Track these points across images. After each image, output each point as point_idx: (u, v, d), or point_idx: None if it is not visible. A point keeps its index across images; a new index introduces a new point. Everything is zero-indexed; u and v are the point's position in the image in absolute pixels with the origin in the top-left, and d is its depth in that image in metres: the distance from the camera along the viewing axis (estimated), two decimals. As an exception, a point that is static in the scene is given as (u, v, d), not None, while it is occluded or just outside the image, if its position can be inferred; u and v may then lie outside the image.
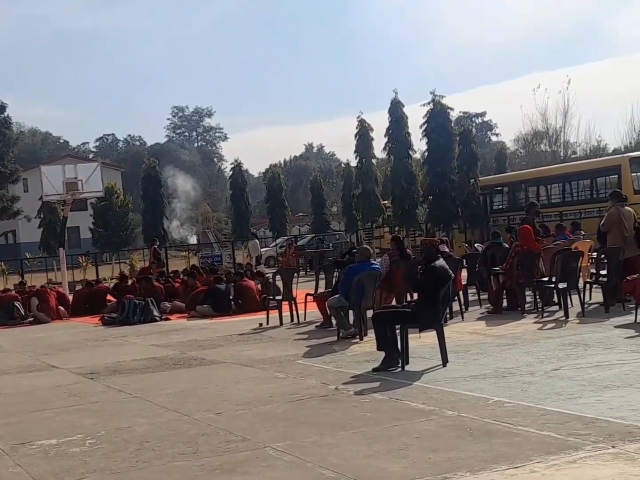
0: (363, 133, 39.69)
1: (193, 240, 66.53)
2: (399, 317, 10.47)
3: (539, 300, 14.88)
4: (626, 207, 15.63)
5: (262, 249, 49.11)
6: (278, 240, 48.09)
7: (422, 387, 9.02)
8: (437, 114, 36.73)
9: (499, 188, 37.31)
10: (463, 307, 15.68)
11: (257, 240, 35.35)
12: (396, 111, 37.75)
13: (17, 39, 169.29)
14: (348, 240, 45.87)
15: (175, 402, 9.27)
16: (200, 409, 8.77)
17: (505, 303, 15.59)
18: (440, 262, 10.32)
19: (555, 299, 15.11)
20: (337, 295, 13.57)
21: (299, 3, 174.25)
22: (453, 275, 10.76)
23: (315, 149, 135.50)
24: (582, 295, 14.61)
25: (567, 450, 6.21)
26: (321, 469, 6.24)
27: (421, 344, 11.25)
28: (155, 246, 31.67)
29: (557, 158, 62.02)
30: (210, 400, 9.19)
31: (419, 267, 10.62)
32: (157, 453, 7.06)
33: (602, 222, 15.62)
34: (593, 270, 16.45)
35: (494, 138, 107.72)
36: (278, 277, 17.66)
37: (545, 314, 14.35)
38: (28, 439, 7.90)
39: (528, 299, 15.72)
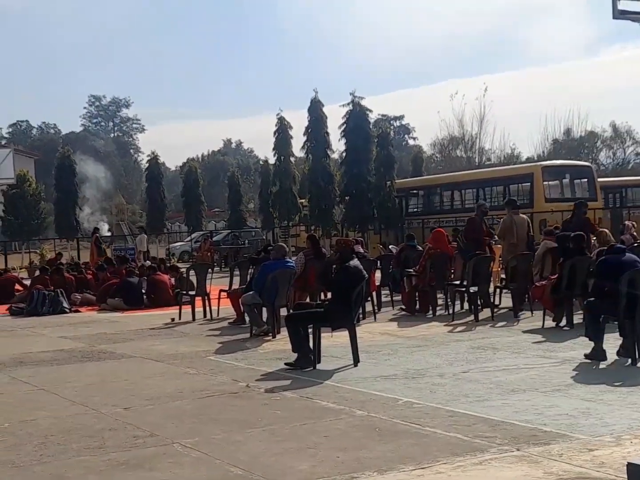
0: (282, 130, 39.64)
1: (105, 231, 65.61)
2: (311, 317, 10.47)
3: (449, 303, 15.12)
4: (520, 215, 16.11)
5: (177, 244, 48.91)
6: (193, 235, 47.76)
7: (333, 386, 9.05)
8: (356, 115, 36.89)
9: (415, 191, 37.77)
10: (376, 307, 15.78)
11: (144, 235, 34.86)
12: (316, 110, 37.80)
13: None
14: (264, 237, 45.84)
15: (83, 395, 9.13)
16: (107, 403, 8.64)
17: (417, 305, 15.75)
18: (355, 262, 10.38)
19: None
20: (251, 292, 13.51)
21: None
22: (367, 275, 10.81)
23: (234, 145, 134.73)
24: (492, 299, 14.89)
25: (473, 452, 6.30)
26: (229, 466, 6.21)
27: (333, 343, 11.27)
28: (97, 235, 31.38)
29: (472, 164, 63.09)
30: (119, 395, 9.07)
31: (334, 266, 10.63)
32: (62, 447, 6.93)
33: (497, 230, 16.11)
34: (503, 275, 16.76)
35: (411, 142, 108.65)
36: (192, 272, 17.53)
37: (455, 317, 14.54)
38: None
39: (440, 301, 15.93)
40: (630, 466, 4.89)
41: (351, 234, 35.18)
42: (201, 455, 6.53)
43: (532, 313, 14.31)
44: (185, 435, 7.13)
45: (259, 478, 5.92)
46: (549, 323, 13.03)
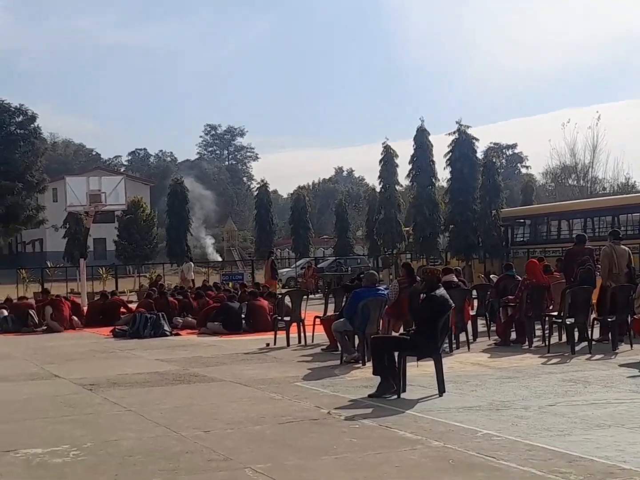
0: (387, 159, 39.72)
1: (214, 256, 66.83)
2: (397, 344, 10.40)
3: (546, 334, 14.79)
4: (621, 246, 15.67)
5: (284, 270, 49.29)
6: (299, 262, 48.07)
7: (414, 416, 8.94)
8: (462, 144, 36.67)
9: (521, 220, 37.16)
10: (471, 337, 15.55)
11: (192, 263, 35.19)
12: (421, 139, 37.75)
13: (55, 52, 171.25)
14: (370, 264, 45.80)
15: (168, 417, 9.25)
16: (190, 425, 8.73)
17: (513, 335, 15.46)
18: (441, 291, 10.26)
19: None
20: (342, 319, 13.53)
21: (333, 29, 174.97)
22: (453, 305, 10.67)
23: (345, 173, 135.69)
24: (590, 331, 14.49)
25: (544, 488, 6.12)
26: (296, 493, 6.20)
27: (422, 372, 11.16)
28: (272, 258, 32.19)
29: (584, 193, 61.73)
30: (202, 418, 9.16)
31: (420, 295, 10.53)
32: (137, 468, 7.03)
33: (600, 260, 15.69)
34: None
35: (523, 170, 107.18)
36: (288, 297, 17.64)
37: (552, 349, 14.18)
38: (14, 447, 7.91)
39: (538, 332, 15.61)
40: None
41: (455, 263, 34.82)
42: (270, 481, 6.54)
43: (631, 346, 13.88)
44: (259, 461, 7.14)
45: (323, 506, 5.89)
46: (648, 357, 12.61)
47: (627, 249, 15.80)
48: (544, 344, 14.68)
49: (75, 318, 21.83)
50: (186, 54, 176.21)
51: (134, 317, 19.51)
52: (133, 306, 22.81)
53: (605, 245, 15.64)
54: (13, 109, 45.14)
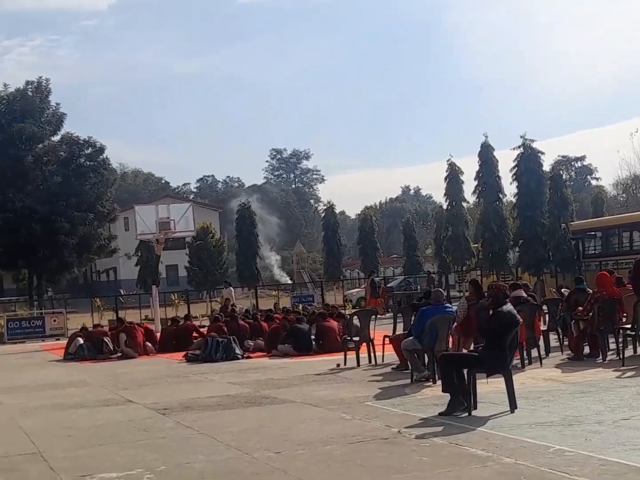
0: (453, 176, 39.65)
1: (284, 279, 67.22)
2: (466, 361, 10.34)
3: (620, 347, 14.52)
4: None
5: (354, 290, 49.29)
6: (369, 281, 48.00)
7: (485, 433, 8.86)
8: (528, 158, 36.39)
9: (592, 233, 36.64)
10: (543, 352, 15.35)
11: (231, 288, 35.31)
12: (486, 154, 37.60)
13: (119, 84, 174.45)
14: (439, 282, 45.58)
15: (239, 439, 9.31)
16: (261, 447, 8.79)
17: (586, 350, 15.22)
18: (508, 307, 10.18)
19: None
20: (411, 338, 13.49)
21: (395, 47, 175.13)
22: (521, 320, 10.56)
23: (412, 192, 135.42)
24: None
25: (619, 503, 6.02)
26: (366, 512, 6.19)
27: (493, 389, 11.07)
28: (373, 277, 32.44)
29: (657, 203, 60.61)
30: (273, 439, 9.21)
31: (487, 311, 10.47)
32: (210, 490, 7.11)
33: None
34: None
35: (593, 182, 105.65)
36: (357, 317, 17.63)
37: (627, 362, 13.91)
38: (90, 472, 8.06)
39: (612, 346, 15.34)
40: None
41: (526, 278, 34.44)
42: (341, 501, 6.54)
43: None
44: (329, 480, 7.16)
45: (393, 525, 5.87)
46: None
47: None
48: (618, 357, 14.40)
49: (148, 344, 22.13)
50: (249, 79, 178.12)
51: (206, 341, 19.68)
52: (205, 331, 23.04)
53: None
54: (82, 142, 46.08)
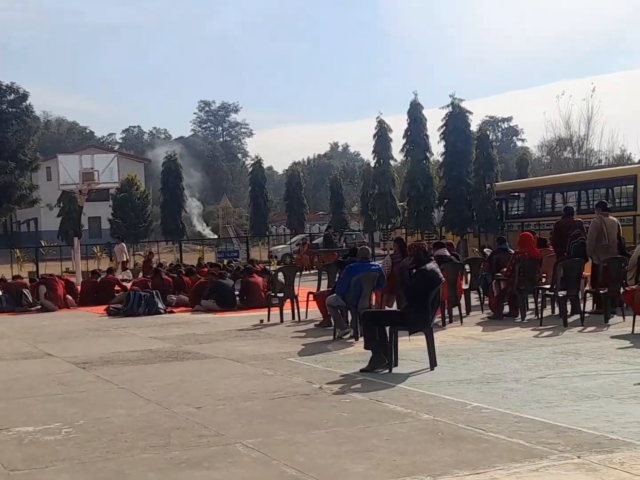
0: (382, 134, 39.77)
1: (206, 231, 66.99)
2: (388, 318, 10.46)
3: (539, 307, 14.84)
4: (610, 217, 15.67)
5: (279, 246, 49.30)
6: (294, 238, 48.11)
7: (405, 390, 9.00)
8: (456, 117, 36.69)
9: (516, 194, 37.24)
10: (464, 311, 15.61)
11: (123, 244, 34.64)
12: (415, 113, 37.77)
13: (46, 31, 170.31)
14: (365, 240, 45.88)
15: (159, 394, 9.30)
16: (181, 402, 8.79)
17: (506, 309, 15.52)
18: (431, 265, 10.29)
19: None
20: (334, 295, 13.57)
21: (327, 4, 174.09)
22: (443, 279, 10.71)
23: (340, 148, 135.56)
24: (582, 304, 14.55)
25: (532, 459, 6.18)
26: (285, 467, 6.25)
27: (414, 346, 11.19)
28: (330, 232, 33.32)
29: (580, 166, 61.69)
30: (194, 394, 9.21)
31: (410, 270, 10.57)
32: (128, 444, 7.08)
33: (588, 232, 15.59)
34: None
35: (519, 143, 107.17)
36: (281, 274, 17.67)
37: (545, 322, 14.22)
38: (6, 425, 7.96)
39: (531, 306, 15.66)
40: None
41: (450, 237, 34.87)
42: (260, 456, 6.58)
43: (623, 318, 13.94)
44: (249, 436, 7.19)
45: (312, 479, 5.94)
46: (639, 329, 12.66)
47: (616, 220, 15.81)
48: (536, 317, 14.74)
49: (69, 297, 21.83)
50: (178, 30, 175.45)
51: (128, 295, 19.53)
52: (128, 285, 22.84)
53: (595, 217, 15.62)
54: (4, 87, 44.94)
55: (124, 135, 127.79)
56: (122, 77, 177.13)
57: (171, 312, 19.31)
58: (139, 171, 65.80)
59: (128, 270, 29.94)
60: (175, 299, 20.53)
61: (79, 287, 23.47)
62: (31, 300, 21.38)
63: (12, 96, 45.08)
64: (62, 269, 34.41)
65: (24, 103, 45.10)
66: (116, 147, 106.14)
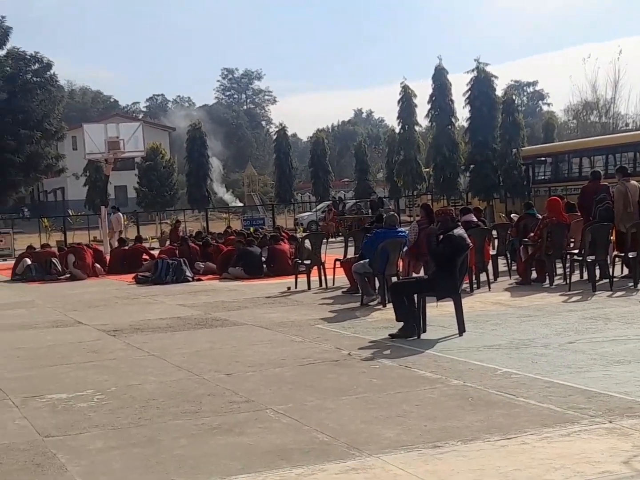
0: (406, 99, 39.51)
1: (235, 202, 67.01)
2: (415, 286, 10.43)
3: (567, 272, 14.75)
4: (632, 182, 15.49)
5: (304, 214, 49.28)
6: (320, 205, 48.03)
7: (434, 355, 9.00)
8: (481, 82, 36.32)
9: (542, 158, 36.91)
10: (492, 277, 15.55)
11: (120, 214, 33.70)
12: (440, 78, 37.44)
13: (70, 2, 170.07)
14: (391, 206, 45.76)
15: (189, 361, 9.36)
16: (211, 369, 8.85)
17: (534, 274, 15.44)
18: (459, 230, 10.25)
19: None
20: (361, 262, 13.56)
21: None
22: (471, 244, 10.66)
23: (364, 115, 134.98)
24: (611, 269, 14.44)
25: (563, 424, 6.17)
26: (316, 433, 6.28)
27: (442, 312, 11.17)
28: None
29: (607, 130, 61.05)
30: (223, 361, 9.27)
31: (436, 236, 10.52)
32: (160, 411, 7.14)
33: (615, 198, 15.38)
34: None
35: (545, 107, 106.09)
36: (308, 241, 17.67)
37: (573, 287, 14.14)
38: (40, 393, 8.05)
39: (559, 271, 15.57)
40: None
41: (476, 203, 34.69)
42: (291, 421, 6.62)
43: (656, 283, 13.85)
44: (280, 402, 7.23)
45: (343, 445, 5.95)
46: (670, 293, 12.59)
47: (637, 184, 15.61)
48: (564, 282, 14.65)
49: (98, 265, 21.98)
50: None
51: (156, 263, 19.63)
52: (155, 253, 22.94)
53: (618, 184, 15.43)
54: (28, 57, 44.75)
55: (147, 103, 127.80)
56: (144, 45, 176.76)
57: (199, 279, 19.39)
58: (163, 140, 65.87)
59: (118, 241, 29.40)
60: (202, 266, 20.61)
61: (107, 256, 23.63)
62: (60, 269, 21.56)
63: (36, 65, 44.91)
64: (89, 237, 34.66)
65: (48, 72, 44.94)
66: (140, 116, 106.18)
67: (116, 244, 25.80)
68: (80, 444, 6.31)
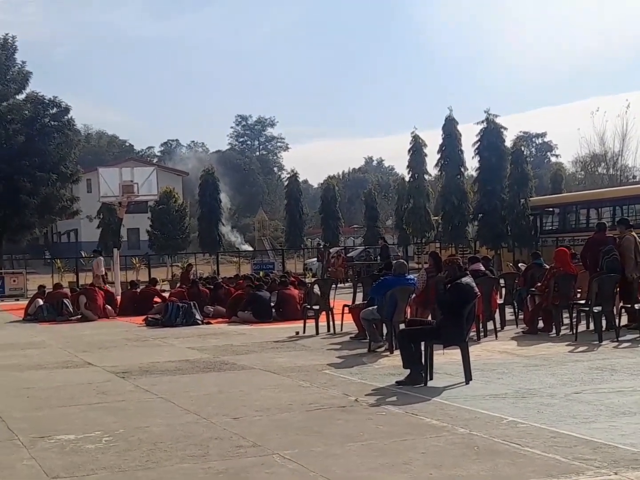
0: (416, 148, 39.67)
1: (244, 246, 67.17)
2: (423, 333, 10.41)
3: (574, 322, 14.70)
4: (633, 233, 15.54)
5: (314, 259, 49.28)
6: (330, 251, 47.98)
7: (440, 403, 8.95)
8: (490, 133, 36.46)
9: (550, 209, 36.93)
10: (498, 326, 15.50)
11: (101, 258, 32.47)
12: (450, 128, 37.61)
13: (86, 45, 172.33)
14: (400, 254, 45.74)
15: (197, 404, 9.33)
16: (219, 412, 8.81)
17: (541, 324, 15.39)
18: (467, 279, 10.25)
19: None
20: (370, 308, 13.55)
21: (361, 21, 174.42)
22: (478, 293, 10.65)
23: (375, 163, 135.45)
24: (617, 319, 14.38)
25: (568, 474, 6.12)
26: (322, 479, 6.24)
27: (449, 360, 11.13)
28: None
29: (614, 182, 61.08)
30: (231, 405, 9.23)
31: (444, 284, 10.52)
32: (167, 454, 7.11)
33: (624, 248, 15.32)
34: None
35: (553, 159, 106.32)
36: (317, 286, 17.66)
37: (580, 338, 14.06)
38: (48, 433, 8.03)
39: (566, 321, 15.51)
40: None
41: (484, 252, 34.65)
42: (297, 467, 6.58)
43: (661, 334, 13.78)
44: (286, 447, 7.19)
45: (349, 492, 5.93)
46: (675, 345, 12.51)
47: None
48: (571, 332, 14.58)
49: (109, 307, 22.02)
50: (215, 45, 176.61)
51: (166, 306, 19.65)
52: (166, 295, 22.95)
53: (627, 235, 15.43)
54: (47, 101, 45.08)
55: (162, 148, 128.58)
56: (160, 91, 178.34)
57: (208, 323, 19.40)
58: (176, 184, 66.28)
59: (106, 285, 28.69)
60: (212, 310, 20.63)
61: (118, 298, 23.65)
62: (72, 310, 21.59)
63: (55, 110, 45.26)
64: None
65: (65, 117, 45.22)
66: (155, 160, 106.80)
67: (101, 285, 25.43)
68: (88, 486, 6.29)
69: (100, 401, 9.81)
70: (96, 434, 7.93)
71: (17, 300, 30.30)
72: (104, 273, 31.25)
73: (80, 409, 9.35)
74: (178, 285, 23.83)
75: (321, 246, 43.08)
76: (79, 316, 21.28)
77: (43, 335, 17.90)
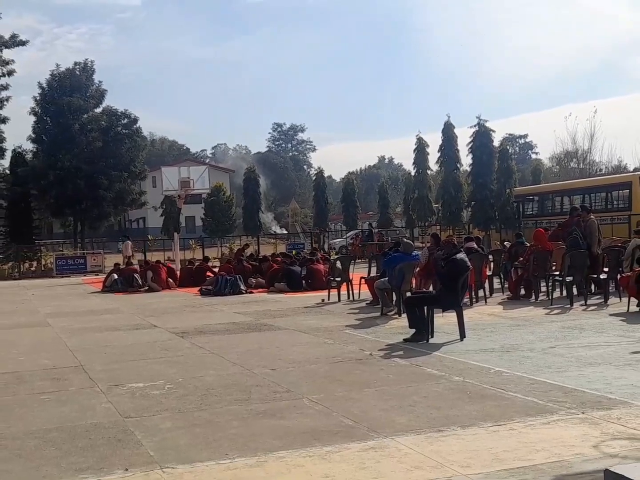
0: (420, 149, 39.43)
1: (278, 230, 67.28)
2: (425, 300, 10.38)
3: (550, 290, 14.59)
4: (592, 216, 15.44)
5: (337, 240, 49.23)
6: (349, 233, 47.96)
7: (439, 357, 8.94)
8: (481, 135, 36.10)
9: (530, 197, 36.55)
10: (488, 293, 15.43)
11: (129, 242, 32.21)
12: (448, 131, 37.31)
13: (151, 66, 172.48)
14: (407, 234, 45.56)
15: (242, 358, 9.37)
16: (259, 364, 8.85)
17: (522, 292, 15.30)
18: (461, 255, 10.21)
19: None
20: (382, 279, 13.52)
21: (376, 48, 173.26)
22: (471, 266, 10.60)
23: (386, 160, 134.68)
24: (585, 287, 14.26)
25: (544, 414, 6.11)
26: (343, 418, 6.26)
27: (447, 322, 11.13)
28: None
29: (584, 174, 60.37)
30: (269, 358, 9.27)
31: (442, 260, 10.47)
32: (218, 398, 7.16)
33: (590, 229, 15.14)
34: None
35: (533, 156, 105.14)
36: (339, 262, 17.64)
37: (554, 303, 13.97)
38: (122, 382, 8.11)
39: (543, 289, 15.39)
40: (608, 473, 3.79)
41: (476, 233, 34.39)
42: (322, 408, 6.60)
43: (620, 299, 13.64)
44: (314, 392, 7.22)
45: (364, 428, 5.93)
46: (633, 308, 12.38)
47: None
48: (547, 298, 14.49)
49: (170, 280, 22.10)
50: (255, 65, 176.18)
51: (217, 279, 19.70)
52: (217, 270, 22.98)
53: (592, 219, 15.27)
54: (119, 114, 45.29)
55: (213, 150, 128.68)
56: (212, 103, 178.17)
57: (251, 292, 19.43)
58: (225, 180, 66.30)
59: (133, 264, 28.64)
60: (254, 281, 20.65)
61: (178, 273, 23.75)
62: (140, 283, 21.70)
63: (125, 120, 45.44)
64: (164, 257, 34.84)
65: (134, 126, 45.37)
66: (207, 160, 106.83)
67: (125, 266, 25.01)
68: (153, 424, 6.34)
69: (164, 356, 9.89)
70: (160, 382, 8.00)
71: (97, 274, 30.52)
72: (130, 254, 31.00)
73: (147, 362, 9.43)
74: (227, 261, 23.77)
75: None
76: (147, 288, 21.39)
77: (117, 303, 18.03)
